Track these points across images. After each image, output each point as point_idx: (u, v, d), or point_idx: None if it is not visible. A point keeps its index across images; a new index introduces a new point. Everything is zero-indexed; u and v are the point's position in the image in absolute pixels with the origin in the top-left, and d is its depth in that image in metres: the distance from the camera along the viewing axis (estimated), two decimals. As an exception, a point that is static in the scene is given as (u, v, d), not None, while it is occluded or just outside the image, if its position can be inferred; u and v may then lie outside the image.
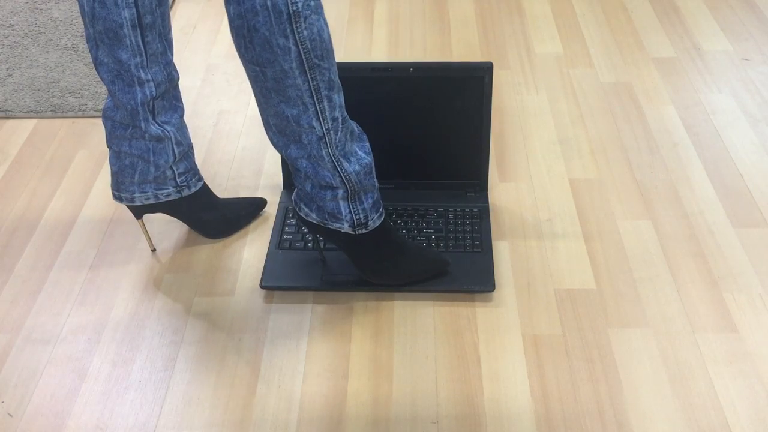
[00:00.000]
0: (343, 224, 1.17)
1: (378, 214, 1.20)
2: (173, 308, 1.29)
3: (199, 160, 1.59)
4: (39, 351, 1.23)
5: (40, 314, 1.29)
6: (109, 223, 1.45)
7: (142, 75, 1.17)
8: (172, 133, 1.24)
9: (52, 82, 1.80)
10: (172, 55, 1.21)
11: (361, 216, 1.17)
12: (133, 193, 1.28)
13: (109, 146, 1.25)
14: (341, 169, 1.12)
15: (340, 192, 1.14)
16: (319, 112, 1.07)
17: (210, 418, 1.13)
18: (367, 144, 1.16)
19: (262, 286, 1.29)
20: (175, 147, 1.25)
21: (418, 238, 1.35)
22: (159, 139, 1.23)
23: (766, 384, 1.15)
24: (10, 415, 1.14)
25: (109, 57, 1.15)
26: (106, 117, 1.22)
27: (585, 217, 1.43)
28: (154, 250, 1.39)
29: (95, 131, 1.68)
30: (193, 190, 1.32)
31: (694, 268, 1.33)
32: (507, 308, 1.27)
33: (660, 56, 1.85)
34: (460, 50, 1.89)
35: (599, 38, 1.92)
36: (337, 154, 1.11)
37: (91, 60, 1.84)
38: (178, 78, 1.24)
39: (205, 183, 1.34)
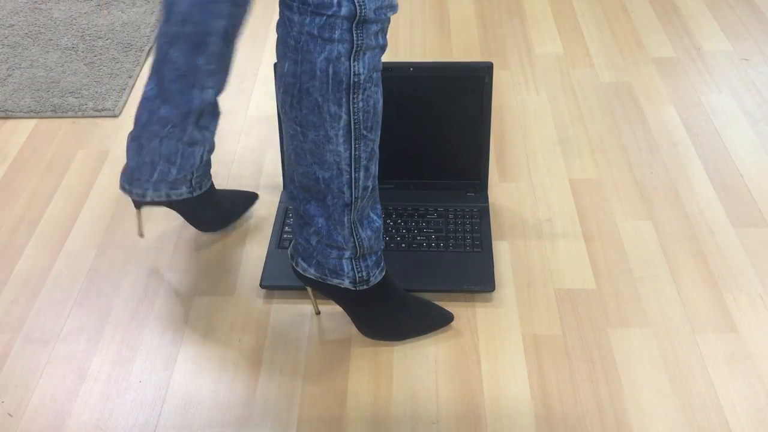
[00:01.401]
0: (343, 280, 1.12)
1: (379, 269, 1.14)
2: (173, 308, 1.29)
3: (199, 160, 1.59)
4: (39, 351, 1.23)
5: (40, 314, 1.29)
6: (109, 223, 1.45)
7: (209, 82, 1.14)
8: (208, 139, 1.23)
9: (52, 82, 1.80)
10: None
11: (364, 273, 1.12)
12: (146, 190, 1.25)
13: (135, 137, 1.21)
14: (356, 235, 1.07)
15: (347, 253, 1.09)
16: (353, 180, 1.02)
17: (210, 418, 1.13)
18: (379, 206, 1.12)
19: (262, 286, 1.29)
20: (206, 153, 1.24)
21: (418, 238, 1.35)
22: (192, 144, 1.21)
23: (766, 384, 1.15)
24: (10, 415, 1.14)
25: (182, 58, 1.11)
26: (145, 107, 1.17)
27: (585, 217, 1.43)
28: (141, 236, 1.39)
29: (95, 131, 1.68)
30: (203, 189, 1.31)
31: (694, 268, 1.33)
32: (507, 308, 1.27)
33: (660, 56, 1.85)
34: (460, 50, 1.89)
35: (599, 38, 1.92)
36: (355, 219, 1.06)
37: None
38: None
39: (212, 181, 1.35)
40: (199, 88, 1.14)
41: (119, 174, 1.37)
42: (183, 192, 1.28)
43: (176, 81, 1.13)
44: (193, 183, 1.28)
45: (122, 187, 1.27)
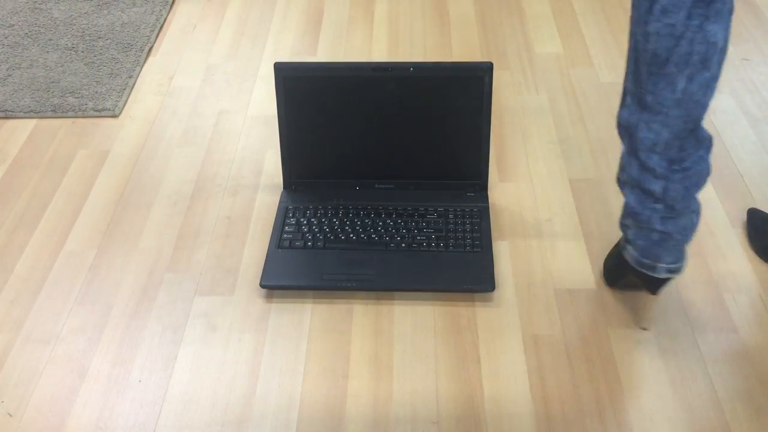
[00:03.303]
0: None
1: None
2: (173, 308, 1.29)
3: (198, 160, 1.59)
4: (39, 351, 1.23)
5: (40, 314, 1.29)
6: (109, 222, 1.45)
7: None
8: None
9: (52, 82, 1.80)
10: None
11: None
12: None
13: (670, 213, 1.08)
14: None
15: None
16: None
17: (210, 418, 1.13)
18: None
19: (261, 286, 1.29)
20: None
21: (418, 238, 1.35)
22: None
23: (766, 384, 1.15)
24: (10, 415, 1.14)
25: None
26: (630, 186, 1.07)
27: (585, 217, 1.43)
28: (644, 329, 1.23)
29: (95, 131, 1.68)
30: None
31: (694, 268, 1.33)
32: (507, 308, 1.27)
33: (660, 56, 1.85)
34: (460, 50, 1.89)
35: (599, 38, 1.92)
36: None
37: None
38: None
39: None
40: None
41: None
42: None
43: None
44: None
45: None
